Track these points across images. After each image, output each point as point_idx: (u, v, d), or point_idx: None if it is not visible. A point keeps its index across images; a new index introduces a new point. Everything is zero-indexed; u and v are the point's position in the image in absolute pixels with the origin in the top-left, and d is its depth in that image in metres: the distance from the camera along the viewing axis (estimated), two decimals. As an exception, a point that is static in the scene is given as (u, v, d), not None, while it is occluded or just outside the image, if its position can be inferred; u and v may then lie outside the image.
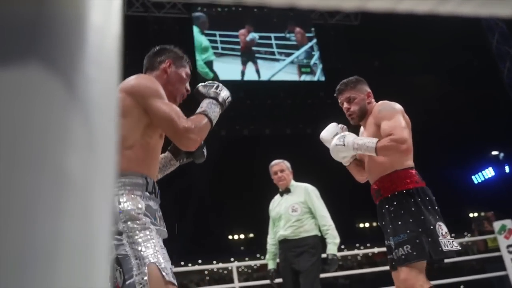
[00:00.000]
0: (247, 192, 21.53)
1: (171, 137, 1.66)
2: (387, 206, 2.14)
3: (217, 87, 1.78)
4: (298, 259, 3.25)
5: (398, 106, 2.21)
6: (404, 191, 2.06)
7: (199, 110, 1.72)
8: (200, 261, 20.49)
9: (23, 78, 0.28)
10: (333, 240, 3.31)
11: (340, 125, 2.38)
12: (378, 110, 2.20)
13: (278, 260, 3.56)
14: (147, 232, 1.50)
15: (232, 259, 18.49)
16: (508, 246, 6.03)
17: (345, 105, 2.32)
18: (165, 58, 1.84)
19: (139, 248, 1.44)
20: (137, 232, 1.48)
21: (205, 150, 2.01)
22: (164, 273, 1.44)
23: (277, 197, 3.59)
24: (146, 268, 1.42)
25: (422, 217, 1.99)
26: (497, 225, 6.19)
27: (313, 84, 21.92)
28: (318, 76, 21.04)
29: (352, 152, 2.17)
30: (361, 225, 27.10)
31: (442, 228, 2.00)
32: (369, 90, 2.33)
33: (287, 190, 3.49)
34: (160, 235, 1.59)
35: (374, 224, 24.83)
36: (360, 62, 20.97)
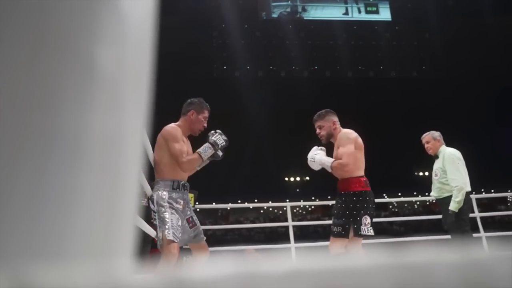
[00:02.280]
0: (305, 135, 21.49)
1: (177, 164, 2.92)
2: (338, 199, 3.14)
3: (216, 136, 2.98)
4: (443, 215, 3.97)
5: (352, 136, 3.14)
6: (351, 192, 3.08)
7: (198, 149, 2.95)
8: (256, 200, 21.11)
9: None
10: (454, 198, 3.85)
11: (320, 147, 3.29)
12: (339, 138, 3.16)
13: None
14: (166, 213, 2.82)
15: (287, 200, 18.83)
16: None
17: (317, 130, 3.28)
18: (191, 108, 3.04)
19: (160, 221, 2.81)
20: (161, 212, 2.82)
21: (218, 153, 3.05)
22: (167, 236, 2.73)
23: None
24: (162, 232, 2.76)
25: (355, 212, 3.02)
26: None
27: (377, 24, 20.87)
28: (384, 15, 19.94)
29: (318, 166, 3.21)
30: (420, 173, 26.48)
31: (366, 220, 3.02)
32: (335, 119, 3.25)
33: (436, 156, 4.10)
34: (178, 212, 2.87)
35: (435, 173, 24.09)
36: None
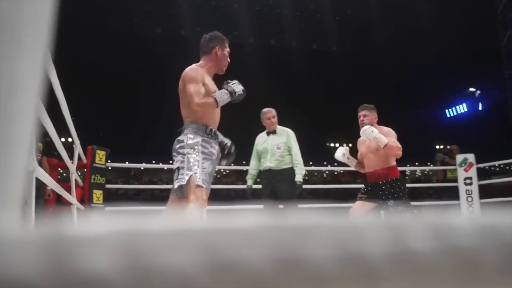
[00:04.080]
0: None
1: (190, 105, 2.69)
2: (390, 184, 3.80)
3: (233, 84, 2.74)
4: (280, 184, 4.34)
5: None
6: (394, 178, 3.82)
7: (214, 94, 2.71)
8: (171, 162, 20.83)
9: None
10: (300, 171, 4.37)
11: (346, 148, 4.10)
12: (388, 130, 3.80)
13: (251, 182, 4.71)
14: (197, 156, 2.63)
15: (202, 163, 18.81)
16: (466, 179, 6.33)
17: (361, 118, 3.88)
18: (214, 44, 2.83)
19: (190, 165, 2.59)
20: (192, 156, 2.63)
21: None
22: (197, 180, 2.55)
23: (263, 134, 4.57)
24: (189, 175, 2.56)
25: (391, 190, 3.76)
26: (459, 157, 6.44)
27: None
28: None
29: (372, 137, 3.66)
30: (331, 144, 27.78)
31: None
32: (376, 115, 3.91)
33: (274, 132, 4.49)
34: (209, 159, 2.67)
35: (344, 144, 25.40)
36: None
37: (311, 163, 19.75)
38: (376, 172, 3.89)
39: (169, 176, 24.37)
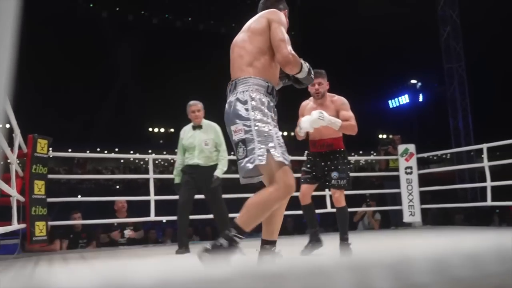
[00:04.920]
0: (172, 87, 21.06)
1: (276, 55, 2.14)
2: (338, 155, 3.61)
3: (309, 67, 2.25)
4: (209, 181, 4.22)
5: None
6: (344, 149, 3.64)
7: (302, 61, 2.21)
8: (116, 149, 20.30)
9: None
10: (222, 167, 4.29)
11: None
12: (342, 101, 3.57)
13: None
14: (269, 126, 2.03)
15: (149, 151, 18.53)
16: (406, 168, 6.63)
17: (316, 86, 3.53)
18: (284, 7, 2.39)
19: (264, 136, 1.99)
20: (262, 122, 2.02)
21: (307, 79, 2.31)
22: (276, 156, 1.97)
23: (189, 128, 4.40)
24: (267, 150, 1.97)
25: (335, 162, 3.58)
26: (401, 148, 6.73)
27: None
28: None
29: (323, 123, 3.28)
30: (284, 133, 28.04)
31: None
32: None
33: (199, 126, 4.34)
34: (276, 126, 2.10)
35: (292, 134, 25.77)
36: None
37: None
38: (321, 141, 3.64)
39: (114, 164, 23.71)
